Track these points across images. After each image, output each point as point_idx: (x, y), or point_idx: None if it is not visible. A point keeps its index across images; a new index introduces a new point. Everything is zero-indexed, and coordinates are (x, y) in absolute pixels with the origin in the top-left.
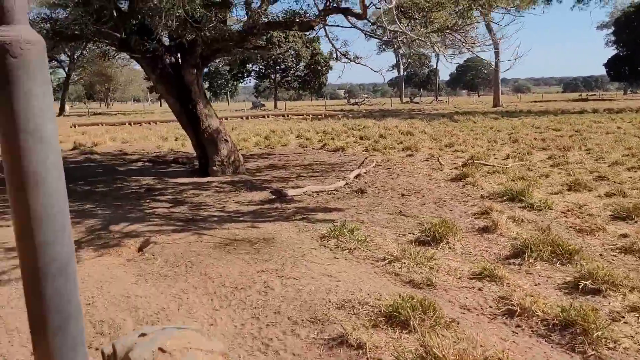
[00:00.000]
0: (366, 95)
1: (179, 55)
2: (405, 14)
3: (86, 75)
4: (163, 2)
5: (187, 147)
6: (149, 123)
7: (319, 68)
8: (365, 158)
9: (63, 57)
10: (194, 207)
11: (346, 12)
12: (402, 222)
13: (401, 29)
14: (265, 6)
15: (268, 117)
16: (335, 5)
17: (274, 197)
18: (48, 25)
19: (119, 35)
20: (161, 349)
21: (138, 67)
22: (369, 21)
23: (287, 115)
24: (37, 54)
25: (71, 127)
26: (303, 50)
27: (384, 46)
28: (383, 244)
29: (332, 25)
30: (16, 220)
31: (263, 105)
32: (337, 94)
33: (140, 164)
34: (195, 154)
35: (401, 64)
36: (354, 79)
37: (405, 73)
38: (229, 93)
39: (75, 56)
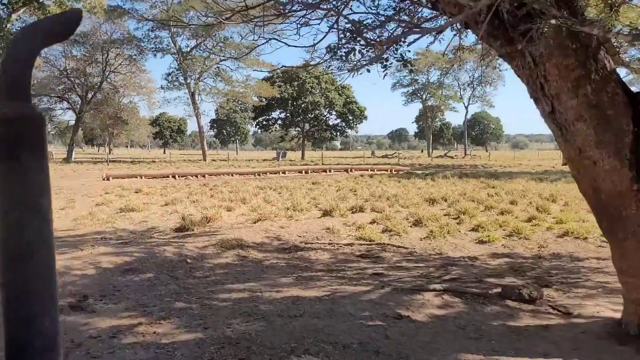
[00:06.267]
0: (399, 150)
1: None
2: None
3: (98, 119)
4: None
5: (409, 236)
6: (202, 176)
7: (350, 118)
8: None
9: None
10: None
11: None
12: None
13: None
14: None
15: (307, 172)
16: None
17: None
18: None
19: None
20: None
21: (144, 112)
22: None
23: (329, 170)
24: (37, 129)
25: (103, 179)
26: (336, 98)
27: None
28: None
29: None
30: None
31: (285, 154)
32: (351, 144)
33: (434, 296)
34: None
35: (429, 115)
36: (372, 131)
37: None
38: (237, 141)
39: (89, 96)
